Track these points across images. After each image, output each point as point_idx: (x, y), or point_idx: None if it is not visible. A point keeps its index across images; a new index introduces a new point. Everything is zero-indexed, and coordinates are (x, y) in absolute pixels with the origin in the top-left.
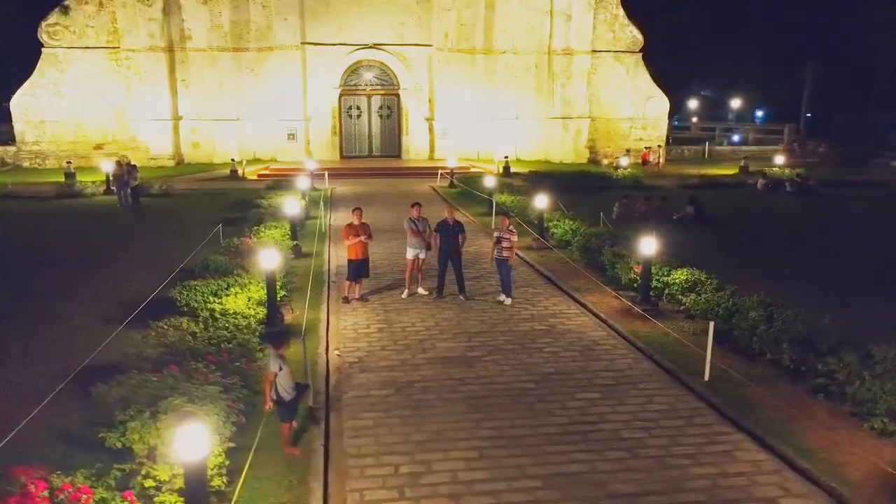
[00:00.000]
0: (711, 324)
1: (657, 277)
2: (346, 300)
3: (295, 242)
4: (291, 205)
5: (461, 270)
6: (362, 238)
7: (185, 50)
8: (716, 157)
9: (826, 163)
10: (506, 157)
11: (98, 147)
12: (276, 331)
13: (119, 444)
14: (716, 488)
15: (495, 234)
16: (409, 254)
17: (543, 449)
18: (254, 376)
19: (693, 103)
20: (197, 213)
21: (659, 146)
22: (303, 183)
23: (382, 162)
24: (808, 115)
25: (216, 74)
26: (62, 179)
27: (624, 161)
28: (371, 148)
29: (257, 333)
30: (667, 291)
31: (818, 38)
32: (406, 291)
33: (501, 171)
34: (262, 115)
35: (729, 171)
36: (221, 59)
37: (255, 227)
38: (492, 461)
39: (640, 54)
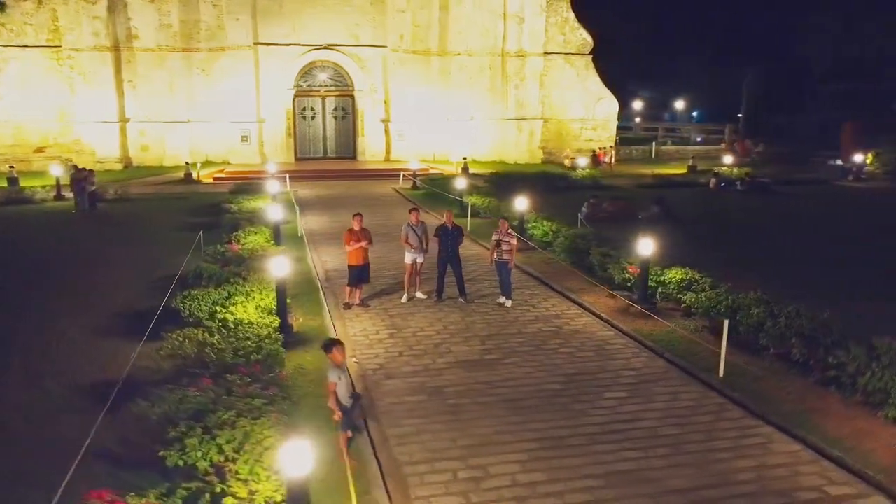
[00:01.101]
0: (726, 322)
1: (652, 277)
2: (348, 306)
3: (281, 248)
4: (274, 210)
5: (461, 273)
6: (363, 244)
7: (132, 49)
8: (662, 157)
9: (770, 162)
10: (464, 159)
11: (39, 150)
12: (331, 340)
13: (181, 463)
14: (763, 479)
15: (494, 238)
16: (408, 258)
17: (590, 448)
18: (290, 386)
19: (638, 104)
20: (162, 219)
21: (611, 147)
22: (273, 186)
23: (340, 164)
24: (740, 115)
25: (165, 75)
26: (4, 185)
27: (582, 161)
28: (326, 150)
29: (280, 342)
30: (660, 290)
31: (755, 42)
32: (405, 296)
33: (460, 172)
34: (213, 117)
35: (678, 170)
36: (171, 59)
37: (235, 233)
38: (545, 462)
39: (590, 57)
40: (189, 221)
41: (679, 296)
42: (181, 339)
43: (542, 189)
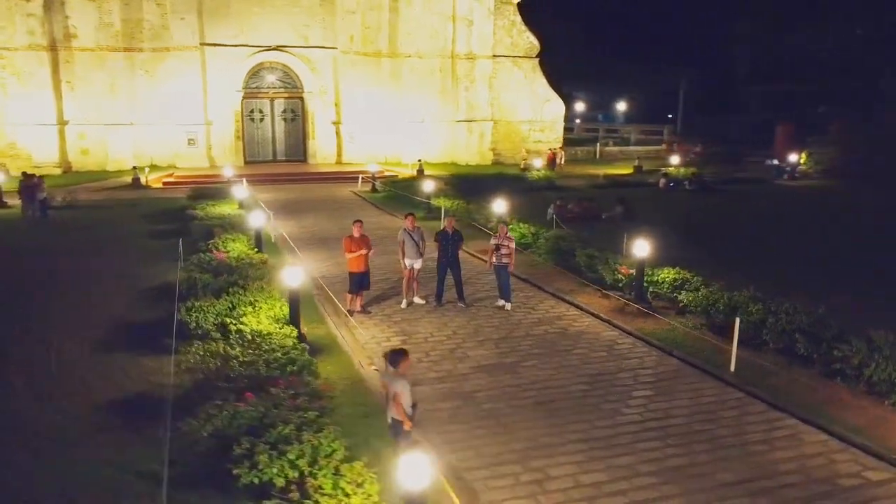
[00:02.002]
0: (737, 319)
1: (645, 277)
2: (350, 313)
3: (265, 255)
4: (256, 216)
5: (461, 278)
6: (364, 251)
7: (70, 49)
8: (606, 158)
9: (710, 162)
10: (419, 161)
11: None
12: (395, 349)
13: (255, 480)
14: (804, 469)
15: (493, 242)
16: (406, 264)
17: (636, 447)
18: (335, 397)
19: (580, 106)
20: (122, 227)
21: (560, 148)
22: (239, 191)
23: (293, 167)
24: (670, 115)
25: (107, 76)
26: None
27: (537, 163)
28: (275, 152)
29: (307, 352)
30: (651, 290)
31: (689, 46)
32: (404, 301)
33: (416, 174)
34: (158, 120)
35: (624, 170)
36: (112, 59)
37: (213, 241)
38: (600, 462)
39: (537, 60)
40: (154, 229)
41: (675, 295)
42: (202, 353)
43: (503, 191)
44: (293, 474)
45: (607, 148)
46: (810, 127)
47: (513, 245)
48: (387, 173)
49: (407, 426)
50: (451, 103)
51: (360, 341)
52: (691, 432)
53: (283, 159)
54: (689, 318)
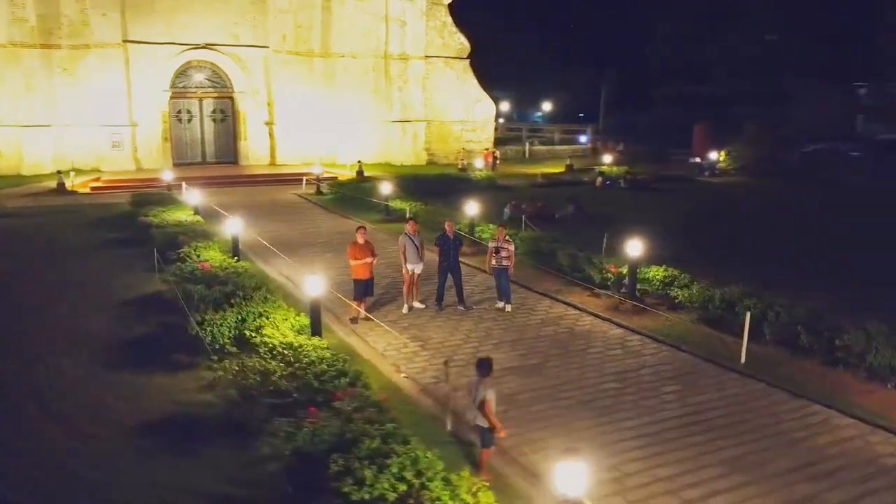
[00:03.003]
0: (748, 314)
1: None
2: (354, 320)
3: (247, 263)
4: (232, 223)
5: (461, 282)
6: (369, 259)
7: None
8: (535, 157)
9: (635, 160)
10: (359, 162)
11: None
12: (482, 357)
13: (366, 496)
14: (848, 451)
15: (492, 245)
16: (408, 269)
17: (690, 440)
18: (395, 408)
19: (504, 106)
20: (68, 235)
21: (493, 147)
22: (193, 197)
23: (224, 169)
24: (581, 115)
25: (21, 74)
26: None
27: (479, 163)
28: (205, 154)
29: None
30: (637, 287)
31: (609, 49)
32: (406, 306)
33: (356, 175)
34: (80, 121)
35: (556, 169)
36: (27, 57)
37: (183, 249)
38: (666, 456)
39: (468, 60)
40: (107, 237)
41: (668, 291)
42: (238, 368)
43: (449, 191)
44: (402, 488)
45: (535, 147)
46: (726, 126)
47: (512, 248)
48: (326, 175)
49: (501, 434)
50: (385, 104)
51: (378, 349)
52: (732, 423)
53: (212, 161)
54: (682, 313)
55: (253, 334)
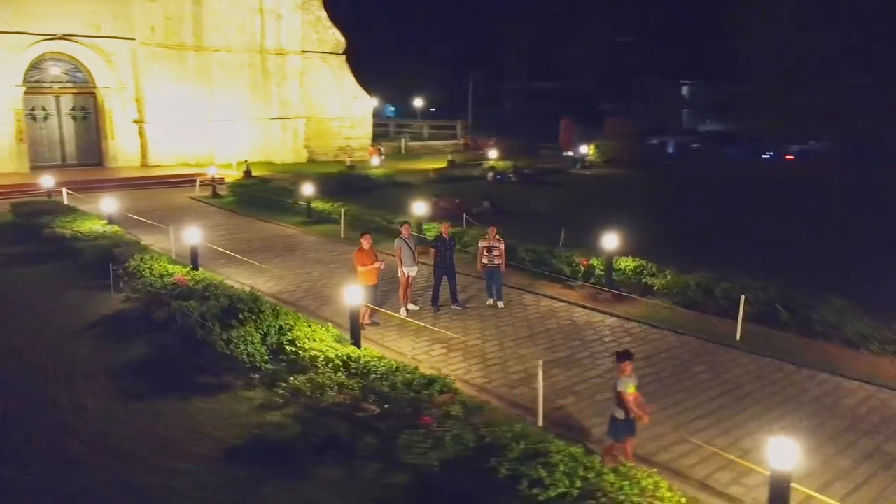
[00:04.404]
0: (743, 297)
1: (601, 266)
2: (363, 327)
3: (219, 276)
4: (192, 233)
5: (455, 282)
6: (378, 265)
7: None
8: (411, 153)
9: (511, 154)
10: (246, 161)
11: None
12: (622, 351)
13: (552, 495)
14: (875, 410)
15: (483, 244)
16: (404, 272)
17: (750, 413)
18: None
19: (374, 102)
20: None
21: (381, 145)
22: (108, 204)
23: (98, 172)
24: (433, 109)
25: None
26: None
27: (375, 160)
28: (64, 155)
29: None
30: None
31: (476, 47)
32: (403, 310)
33: (243, 175)
34: None
35: (438, 164)
36: None
37: (127, 264)
38: (743, 428)
39: (344, 56)
40: (8, 252)
41: (641, 280)
42: (308, 384)
43: (356, 189)
44: (578, 484)
45: (410, 143)
46: (592, 121)
47: (502, 246)
48: (204, 176)
49: (645, 420)
50: (264, 100)
51: (407, 355)
52: (769, 395)
53: (74, 163)
54: (657, 299)
55: (292, 348)
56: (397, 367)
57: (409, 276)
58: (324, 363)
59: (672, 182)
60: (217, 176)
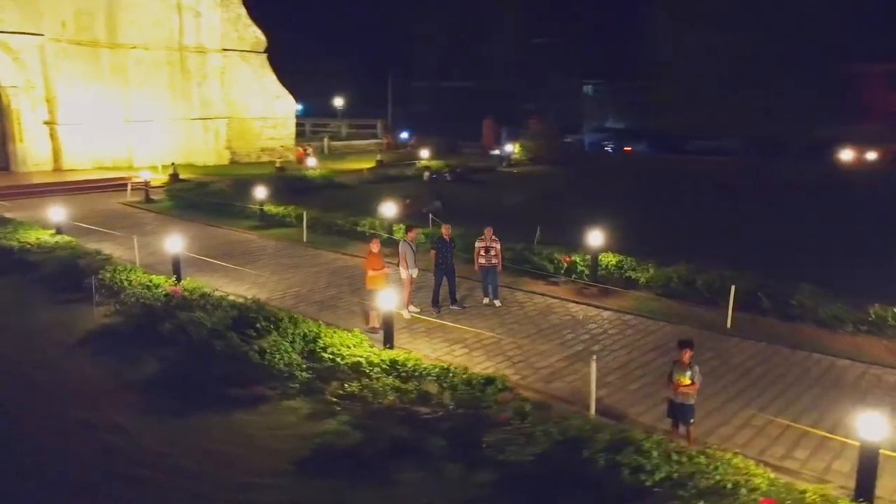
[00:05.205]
0: (733, 287)
1: (582, 263)
2: (375, 330)
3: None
4: (174, 242)
5: (455, 282)
6: (388, 270)
7: None
8: (334, 153)
9: (438, 154)
10: (173, 164)
11: None
12: (683, 339)
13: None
14: (873, 383)
15: (480, 244)
16: (406, 274)
17: (771, 392)
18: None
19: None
20: None
21: (308, 145)
22: (56, 213)
23: (7, 178)
24: (341, 107)
25: None
26: None
27: (311, 161)
28: None
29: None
30: (583, 273)
31: (395, 47)
32: (406, 311)
33: (168, 179)
34: None
35: (367, 164)
36: None
37: (100, 276)
38: (774, 406)
39: (265, 55)
40: None
41: (622, 274)
42: (372, 389)
43: (297, 191)
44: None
45: (333, 143)
46: (515, 120)
47: (499, 246)
48: (134, 180)
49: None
50: (185, 100)
51: (430, 357)
52: (781, 376)
53: None
54: (641, 291)
55: (328, 355)
56: (448, 369)
57: (412, 279)
58: (370, 368)
59: (595, 177)
60: (149, 180)
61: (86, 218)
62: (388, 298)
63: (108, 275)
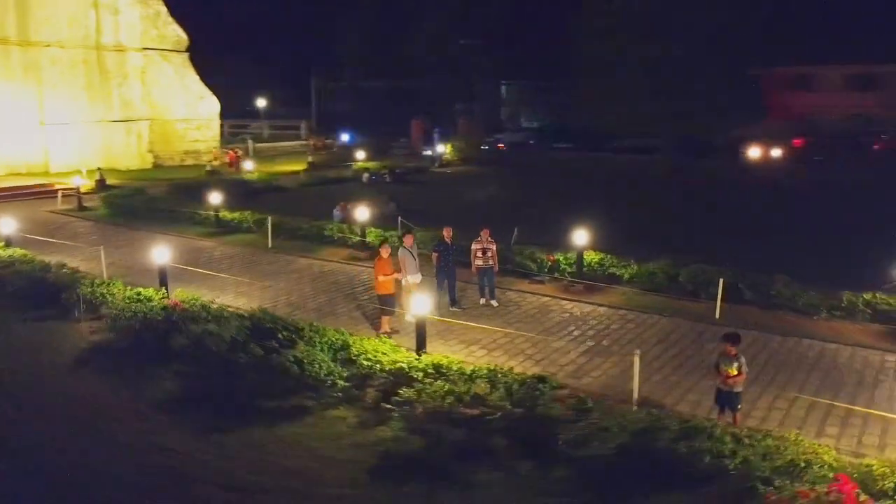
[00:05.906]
0: (721, 280)
1: (565, 261)
2: (387, 334)
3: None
4: (161, 253)
5: (455, 284)
6: (398, 275)
7: None
8: (260, 155)
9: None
10: (99, 169)
11: None
12: (730, 332)
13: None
14: (868, 365)
15: (477, 246)
16: (410, 279)
17: (781, 379)
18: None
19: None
20: None
21: (239, 148)
22: (7, 225)
23: None
24: (248, 108)
25: None
26: None
27: (248, 165)
28: None
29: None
30: (566, 270)
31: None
32: (409, 315)
33: (95, 184)
34: None
35: (298, 166)
36: None
37: (79, 291)
38: (786, 392)
39: (188, 54)
40: None
41: (605, 271)
42: (429, 394)
43: (240, 196)
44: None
45: (258, 145)
46: (444, 120)
47: (495, 247)
48: (58, 187)
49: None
50: (104, 101)
51: (452, 359)
52: (784, 363)
53: None
54: (625, 287)
55: (368, 362)
56: (495, 370)
57: (413, 284)
58: (416, 373)
59: (525, 175)
60: (80, 186)
61: (22, 229)
62: (420, 304)
63: (87, 289)
